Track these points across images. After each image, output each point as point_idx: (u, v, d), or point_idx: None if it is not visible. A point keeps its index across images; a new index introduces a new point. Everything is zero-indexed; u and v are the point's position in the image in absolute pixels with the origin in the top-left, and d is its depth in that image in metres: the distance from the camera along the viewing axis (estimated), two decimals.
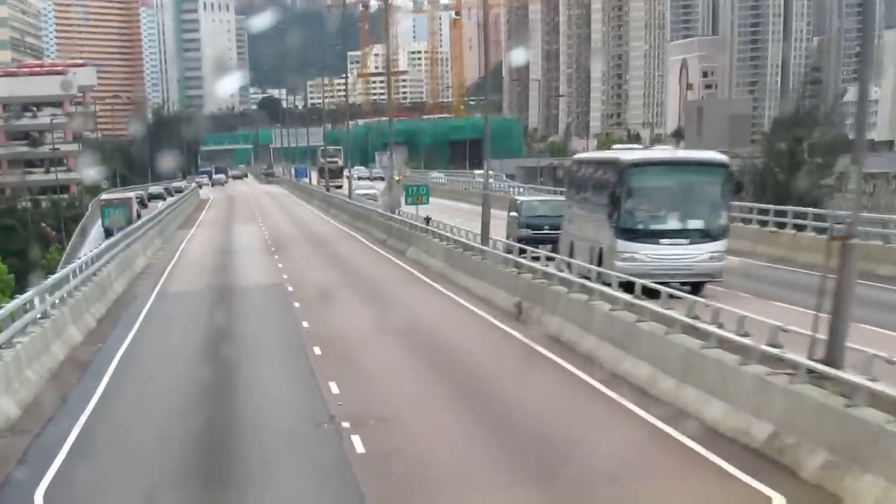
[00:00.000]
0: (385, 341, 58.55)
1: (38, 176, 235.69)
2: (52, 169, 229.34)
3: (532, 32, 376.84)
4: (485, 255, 74.51)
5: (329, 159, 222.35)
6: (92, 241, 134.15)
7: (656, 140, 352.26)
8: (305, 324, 63.22)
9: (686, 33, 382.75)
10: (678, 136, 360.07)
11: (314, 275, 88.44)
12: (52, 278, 62.73)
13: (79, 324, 61.82)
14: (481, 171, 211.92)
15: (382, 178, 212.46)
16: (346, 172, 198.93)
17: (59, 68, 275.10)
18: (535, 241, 77.20)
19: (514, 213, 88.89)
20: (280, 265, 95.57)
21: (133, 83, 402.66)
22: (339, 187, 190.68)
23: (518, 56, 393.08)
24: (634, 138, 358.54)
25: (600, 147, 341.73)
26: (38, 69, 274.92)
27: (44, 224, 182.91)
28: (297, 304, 70.93)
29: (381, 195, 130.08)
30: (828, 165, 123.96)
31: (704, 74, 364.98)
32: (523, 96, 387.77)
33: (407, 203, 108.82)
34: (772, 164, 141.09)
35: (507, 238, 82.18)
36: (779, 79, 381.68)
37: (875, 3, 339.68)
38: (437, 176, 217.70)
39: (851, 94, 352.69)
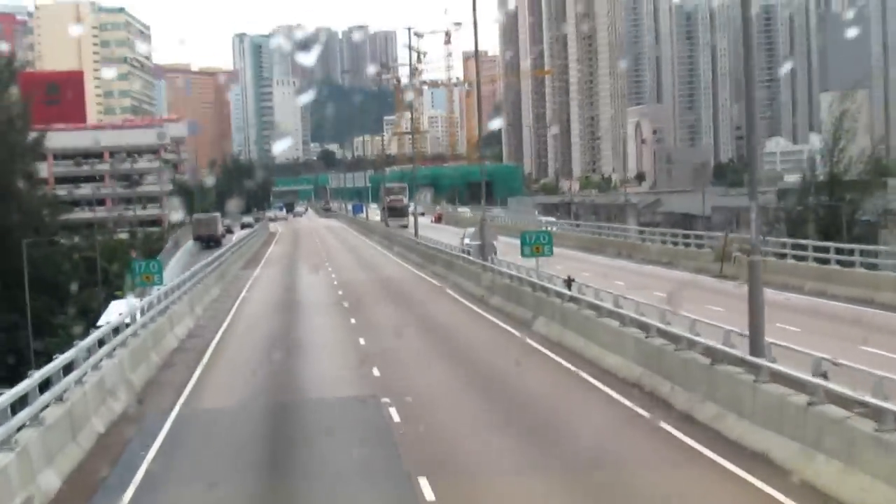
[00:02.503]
0: None
1: (131, 211, 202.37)
2: (147, 205, 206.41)
3: (526, 100, 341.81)
4: (814, 394, 24.81)
5: (392, 197, 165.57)
6: (173, 267, 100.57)
7: (624, 181, 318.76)
8: None
9: (638, 100, 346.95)
10: (640, 178, 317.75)
11: (419, 371, 40.84)
12: None
13: None
14: (547, 218, 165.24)
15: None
16: (411, 209, 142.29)
17: (157, 122, 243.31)
18: None
19: None
20: (362, 341, 47.96)
21: (223, 139, 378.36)
22: (405, 226, 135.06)
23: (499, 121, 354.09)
24: (607, 180, 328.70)
25: (583, 187, 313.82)
26: (139, 123, 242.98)
27: (133, 253, 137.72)
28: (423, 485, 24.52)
29: (472, 238, 78.97)
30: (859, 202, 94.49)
31: (654, 132, 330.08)
32: (519, 148, 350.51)
33: (524, 255, 59.55)
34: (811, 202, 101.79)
35: None
36: (712, 136, 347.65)
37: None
38: (498, 212, 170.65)
39: (769, 146, 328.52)
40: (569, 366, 39.28)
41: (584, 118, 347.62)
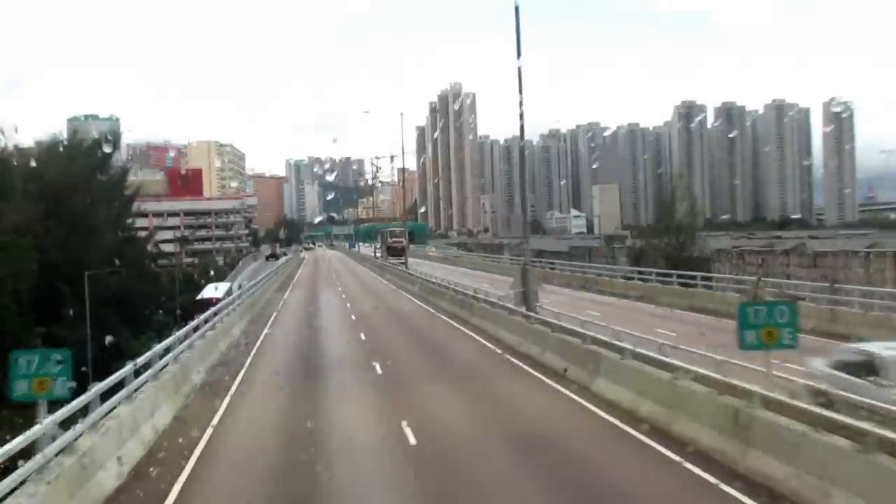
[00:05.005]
0: None
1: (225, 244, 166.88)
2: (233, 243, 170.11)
3: (428, 189, 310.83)
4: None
5: (395, 239, 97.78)
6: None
7: (480, 232, 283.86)
8: None
9: (483, 191, 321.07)
10: (486, 230, 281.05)
11: None
12: None
13: None
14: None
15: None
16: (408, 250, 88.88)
17: (238, 197, 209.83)
18: None
19: None
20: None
21: (278, 207, 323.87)
22: (403, 263, 78.94)
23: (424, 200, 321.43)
24: (468, 231, 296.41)
25: (459, 234, 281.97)
26: (229, 196, 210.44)
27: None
28: None
29: (512, 286, 27.97)
30: (689, 242, 61.41)
31: (492, 206, 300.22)
32: (422, 213, 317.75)
33: (745, 346, 10.89)
34: (661, 242, 66.66)
35: None
36: (509, 207, 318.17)
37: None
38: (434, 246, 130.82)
39: (548, 215, 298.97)
40: None
41: (458, 200, 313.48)
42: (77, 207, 50.79)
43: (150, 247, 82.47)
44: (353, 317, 36.29)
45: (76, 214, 50.42)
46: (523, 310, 24.82)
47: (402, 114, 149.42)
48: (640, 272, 43.35)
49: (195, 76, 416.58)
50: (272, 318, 34.47)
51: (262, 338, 29.55)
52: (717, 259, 66.86)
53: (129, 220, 68.14)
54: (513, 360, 21.82)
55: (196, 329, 22.57)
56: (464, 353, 22.99)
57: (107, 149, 66.83)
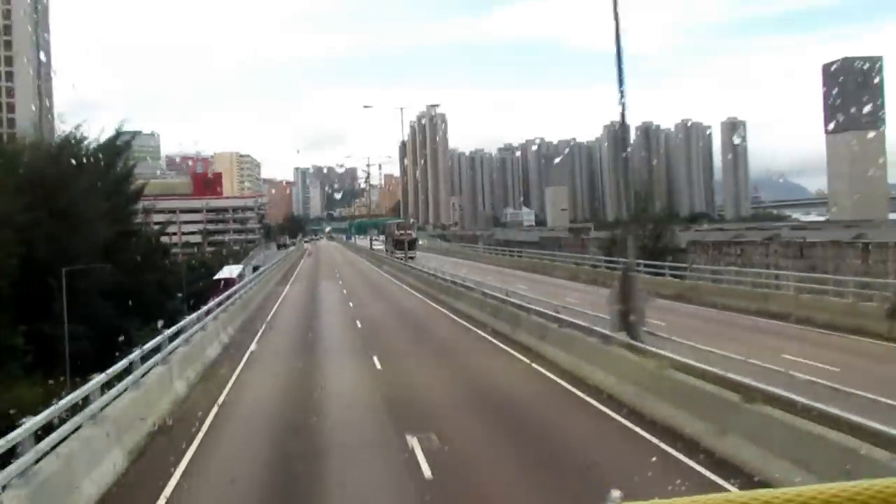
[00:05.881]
0: None
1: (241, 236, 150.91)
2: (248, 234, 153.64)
3: (409, 191, 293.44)
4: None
5: (401, 232, 62.78)
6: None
7: (451, 226, 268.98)
8: None
9: (453, 193, 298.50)
10: (455, 224, 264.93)
11: None
12: None
13: None
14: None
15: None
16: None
17: (253, 196, 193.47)
18: None
19: None
20: None
21: (287, 206, 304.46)
22: (412, 258, 50.86)
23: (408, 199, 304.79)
24: (441, 225, 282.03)
25: (434, 227, 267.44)
26: (245, 195, 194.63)
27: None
28: None
29: (608, 301, 12.80)
30: (662, 234, 46.22)
31: (460, 205, 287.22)
32: (405, 210, 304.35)
33: None
34: (639, 233, 51.36)
35: None
36: (482, 207, 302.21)
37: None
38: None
39: (505, 211, 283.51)
40: None
41: (433, 200, 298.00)
42: (69, 201, 37.53)
43: (175, 238, 68.94)
44: (359, 324, 23.71)
45: (66, 208, 37.16)
46: (625, 337, 12.50)
47: (401, 109, 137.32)
48: (671, 267, 31.05)
49: (224, 100, 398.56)
50: (263, 327, 21.82)
51: (244, 360, 16.80)
52: (692, 250, 55.19)
53: (140, 215, 54.76)
54: (659, 444, 9.43)
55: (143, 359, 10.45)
56: (549, 413, 10.46)
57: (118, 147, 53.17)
